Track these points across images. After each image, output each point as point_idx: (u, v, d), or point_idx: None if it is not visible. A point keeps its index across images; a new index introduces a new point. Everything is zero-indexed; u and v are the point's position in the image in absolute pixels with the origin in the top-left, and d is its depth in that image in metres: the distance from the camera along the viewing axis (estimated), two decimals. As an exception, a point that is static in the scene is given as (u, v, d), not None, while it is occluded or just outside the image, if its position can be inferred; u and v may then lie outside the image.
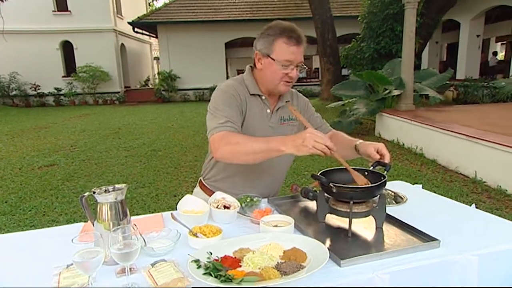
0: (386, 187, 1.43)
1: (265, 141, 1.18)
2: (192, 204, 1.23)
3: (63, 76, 16.93)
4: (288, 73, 1.33)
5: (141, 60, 22.03)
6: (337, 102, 8.31)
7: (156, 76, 20.90)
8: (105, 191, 0.94)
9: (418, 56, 9.83)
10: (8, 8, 13.86)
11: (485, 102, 9.67)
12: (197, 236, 1.00)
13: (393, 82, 6.87)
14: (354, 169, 1.21)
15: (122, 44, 18.31)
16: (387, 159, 1.26)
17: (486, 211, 3.39)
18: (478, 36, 11.82)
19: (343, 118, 7.38)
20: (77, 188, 4.33)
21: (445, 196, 3.78)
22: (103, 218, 0.93)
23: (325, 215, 1.17)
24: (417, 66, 9.16)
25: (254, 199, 1.29)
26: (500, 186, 3.96)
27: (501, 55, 18.37)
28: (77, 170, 5.15)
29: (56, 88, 16.47)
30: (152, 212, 3.62)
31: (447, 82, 8.37)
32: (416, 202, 1.39)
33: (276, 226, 1.09)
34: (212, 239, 0.99)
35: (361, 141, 1.39)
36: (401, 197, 1.40)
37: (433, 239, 1.02)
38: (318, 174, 1.16)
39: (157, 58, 22.88)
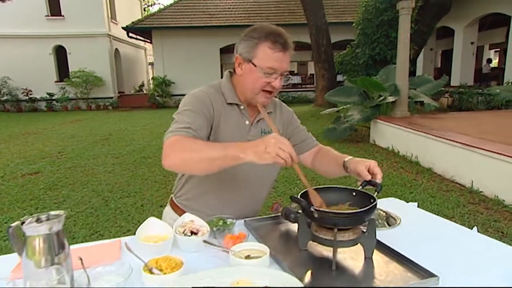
0: (377, 206, 1.29)
1: (223, 147, 1.03)
2: (157, 228, 1.08)
3: (55, 81, 16.71)
4: (270, 82, 1.18)
5: (136, 65, 21.87)
6: (332, 108, 8.20)
7: (151, 81, 20.74)
8: (37, 220, 0.78)
9: (413, 62, 9.79)
10: (2, 13, 13.67)
11: (480, 109, 9.63)
12: (152, 272, 0.84)
13: (388, 88, 6.77)
14: (339, 188, 1.07)
15: (116, 49, 18.16)
16: (378, 179, 1.11)
17: (484, 223, 3.30)
18: (472, 43, 11.82)
19: (337, 124, 7.26)
20: (59, 198, 4.15)
21: (441, 206, 3.69)
22: (32, 253, 0.76)
23: (307, 242, 1.03)
24: (412, 73, 9.11)
25: (227, 222, 1.14)
26: (497, 196, 3.84)
27: (494, 62, 18.45)
28: (62, 179, 4.96)
29: (48, 93, 16.24)
30: (136, 225, 3.46)
31: (442, 88, 8.31)
32: (410, 225, 1.24)
33: (248, 256, 0.94)
34: (170, 275, 0.83)
35: (350, 157, 1.23)
36: (394, 218, 1.26)
37: (431, 274, 0.87)
38: (299, 196, 1.01)
39: (152, 64, 22.74)
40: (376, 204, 0.97)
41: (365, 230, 1.00)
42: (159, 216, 1.50)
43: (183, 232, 1.05)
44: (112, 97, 17.01)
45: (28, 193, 4.35)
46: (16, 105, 16.14)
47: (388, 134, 6.33)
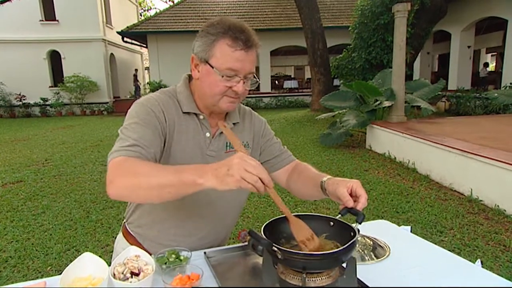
0: (364, 231, 1.11)
1: (177, 171, 0.82)
2: (91, 268, 0.89)
3: (50, 86, 16.51)
4: (231, 86, 0.98)
5: (131, 70, 21.71)
6: (328, 113, 8.04)
7: (147, 86, 20.57)
8: None
9: (409, 66, 9.66)
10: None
11: (478, 113, 9.49)
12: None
13: (384, 93, 6.61)
14: (314, 216, 0.89)
15: (112, 54, 17.99)
16: (362, 203, 0.90)
17: (484, 235, 3.10)
18: (469, 47, 11.72)
19: (333, 130, 7.10)
20: (38, 209, 3.93)
21: (439, 217, 3.50)
22: None
23: (273, 284, 0.83)
24: (408, 77, 8.96)
25: (181, 257, 0.94)
26: (498, 206, 3.66)
27: (491, 66, 18.39)
28: (44, 188, 4.75)
29: (42, 99, 16.03)
30: (115, 238, 3.26)
31: (439, 93, 8.16)
32: (402, 256, 1.05)
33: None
34: None
35: (329, 177, 1.02)
36: (382, 248, 1.07)
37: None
38: (263, 228, 0.82)
39: (148, 68, 22.59)
40: (356, 240, 0.78)
41: (344, 269, 0.81)
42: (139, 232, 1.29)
43: (123, 272, 0.86)
44: (107, 102, 16.82)
45: (6, 203, 4.14)
46: (9, 111, 15.92)
47: (384, 139, 6.16)
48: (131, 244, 1.11)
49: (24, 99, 15.92)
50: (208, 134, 1.09)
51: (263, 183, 0.76)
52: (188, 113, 1.07)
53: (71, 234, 3.29)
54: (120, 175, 0.85)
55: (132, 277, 0.85)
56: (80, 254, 3.00)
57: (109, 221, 3.60)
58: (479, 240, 3.03)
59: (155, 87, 15.82)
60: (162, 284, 0.86)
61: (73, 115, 16.09)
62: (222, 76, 0.97)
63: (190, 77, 1.13)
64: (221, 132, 1.10)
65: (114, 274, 0.85)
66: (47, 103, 16.12)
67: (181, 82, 1.12)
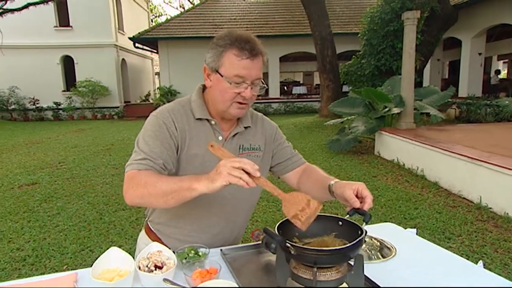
0: (372, 233, 1.17)
1: (179, 180, 0.97)
2: (118, 261, 0.96)
3: (62, 91, 16.85)
4: (240, 92, 1.08)
5: (142, 75, 22.04)
6: (336, 119, 8.07)
7: (157, 91, 20.85)
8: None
9: (419, 73, 9.66)
10: (11, 23, 13.90)
11: (489, 120, 9.41)
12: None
13: (393, 99, 6.63)
14: (323, 216, 0.95)
15: (123, 59, 18.31)
16: (368, 203, 0.97)
17: (493, 243, 3.11)
18: (480, 54, 11.65)
19: (342, 136, 7.13)
20: (53, 211, 4.05)
21: (448, 223, 3.52)
22: None
23: (286, 279, 0.90)
24: (418, 84, 8.97)
25: (200, 253, 1.02)
26: (507, 214, 3.66)
27: (503, 73, 18.21)
28: (59, 190, 4.88)
29: (55, 103, 16.36)
30: (128, 240, 3.35)
31: (449, 100, 8.14)
32: (407, 256, 1.11)
33: (216, 298, 0.82)
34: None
35: (336, 180, 1.10)
36: (388, 248, 1.13)
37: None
38: (277, 227, 0.89)
39: (158, 73, 22.91)
40: (363, 238, 0.84)
41: (351, 269, 0.87)
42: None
43: (147, 266, 0.93)
44: (118, 107, 17.08)
45: (23, 205, 4.27)
46: (23, 114, 16.28)
47: (393, 146, 6.17)
48: (152, 240, 1.20)
49: (37, 103, 16.27)
50: (220, 138, 1.18)
51: (250, 175, 0.85)
52: (200, 119, 1.17)
53: (85, 235, 3.39)
54: (132, 188, 1.01)
55: (156, 269, 0.92)
56: (94, 255, 3.11)
57: (121, 222, 3.69)
58: (488, 247, 3.04)
59: (165, 92, 16.05)
60: (183, 277, 0.93)
61: (84, 119, 16.38)
62: (231, 83, 1.07)
63: (204, 87, 1.22)
64: (234, 135, 1.20)
65: (139, 267, 0.93)
66: (59, 107, 16.45)
67: (195, 91, 1.22)
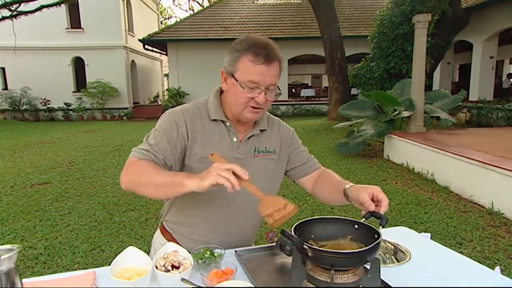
0: (385, 237, 1.16)
1: (173, 174, 1.02)
2: (135, 260, 0.98)
3: (73, 92, 17.09)
4: (253, 97, 1.09)
5: (151, 76, 22.23)
6: (345, 122, 8.05)
7: (165, 92, 21.00)
8: (-15, 257, 0.68)
9: (429, 76, 9.58)
10: (24, 26, 14.16)
11: (500, 125, 9.29)
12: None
13: (403, 103, 6.59)
14: (339, 219, 0.95)
15: (133, 60, 18.51)
16: (384, 206, 0.98)
17: (506, 249, 3.07)
18: (491, 57, 11.52)
19: (350, 139, 7.10)
20: (65, 210, 4.11)
21: (459, 229, 3.48)
22: None
23: (301, 281, 0.90)
24: (428, 87, 8.89)
25: (215, 253, 1.03)
26: (520, 220, 3.60)
27: (515, 77, 17.93)
28: (69, 190, 4.94)
29: (65, 103, 16.61)
30: (138, 240, 3.37)
31: (460, 103, 8.06)
32: (422, 260, 1.10)
33: (233, 298, 0.83)
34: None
35: (351, 184, 1.11)
36: (403, 252, 1.13)
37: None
38: (293, 229, 0.90)
39: (167, 75, 23.09)
40: (380, 241, 0.84)
41: (368, 268, 0.87)
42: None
43: (164, 265, 0.94)
44: (127, 108, 17.26)
45: (35, 204, 4.33)
46: (34, 115, 16.55)
47: (403, 150, 6.12)
48: (168, 240, 1.22)
49: (48, 104, 16.53)
50: (235, 139, 1.20)
51: (239, 177, 0.88)
52: (215, 120, 1.18)
53: (95, 235, 3.42)
54: (128, 173, 1.07)
55: (173, 269, 0.93)
56: (105, 254, 3.13)
57: (131, 223, 3.72)
58: (500, 253, 3.00)
59: (174, 93, 16.17)
60: (198, 277, 0.94)
61: (94, 120, 16.58)
62: (244, 88, 1.08)
63: (221, 89, 1.24)
64: (249, 138, 1.21)
65: (156, 267, 0.94)
66: (70, 107, 16.68)
67: (212, 93, 1.24)
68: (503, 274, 1.04)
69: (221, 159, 0.97)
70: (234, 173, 0.88)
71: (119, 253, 1.01)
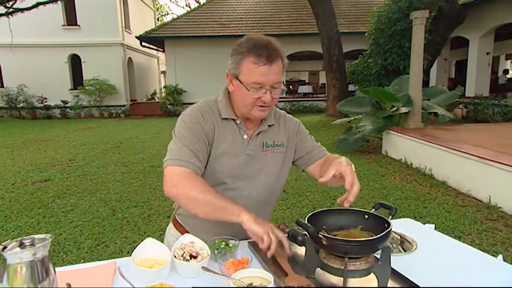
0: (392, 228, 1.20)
1: (229, 201, 1.08)
2: (154, 251, 1.01)
3: (70, 89, 17.02)
4: (260, 97, 1.13)
5: (148, 74, 22.16)
6: (343, 118, 8.10)
7: (163, 90, 20.96)
8: (20, 245, 0.72)
9: (426, 73, 9.64)
10: (19, 23, 14.05)
11: (496, 120, 9.38)
12: (144, 303, 0.78)
13: (401, 99, 6.64)
14: (350, 210, 1.00)
15: (130, 58, 18.44)
16: (352, 195, 1.04)
17: (503, 241, 3.14)
18: (487, 53, 11.60)
19: (349, 135, 7.15)
20: (67, 207, 4.13)
21: (457, 222, 3.54)
22: (13, 281, 0.69)
23: (315, 269, 0.95)
24: (425, 83, 8.95)
25: (230, 244, 1.07)
26: (517, 213, 3.67)
27: (511, 73, 18.07)
28: (71, 187, 4.96)
29: (62, 101, 16.54)
30: (142, 236, 3.41)
31: (457, 99, 8.13)
32: (428, 250, 1.15)
33: (251, 284, 0.87)
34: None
35: (333, 155, 1.27)
36: (409, 242, 1.17)
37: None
38: (306, 220, 0.94)
39: (164, 72, 23.03)
40: (391, 229, 0.88)
41: (378, 257, 0.91)
42: (165, 228, 1.46)
43: (182, 255, 0.98)
44: (124, 105, 17.21)
45: (37, 201, 4.35)
46: (31, 112, 16.47)
47: (401, 145, 6.19)
48: (180, 232, 1.25)
49: (45, 101, 16.44)
50: (245, 136, 1.24)
51: (284, 247, 1.00)
52: (226, 118, 1.22)
53: (99, 231, 3.45)
54: (185, 185, 1.09)
55: (191, 259, 0.97)
56: (110, 250, 3.16)
57: (135, 219, 3.76)
58: (498, 246, 3.06)
59: (171, 90, 16.14)
60: (217, 266, 0.98)
61: (91, 117, 16.52)
62: (249, 90, 1.12)
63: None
64: (258, 134, 1.25)
65: (175, 256, 0.98)
66: (67, 105, 16.61)
67: (221, 92, 1.27)
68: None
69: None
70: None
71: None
